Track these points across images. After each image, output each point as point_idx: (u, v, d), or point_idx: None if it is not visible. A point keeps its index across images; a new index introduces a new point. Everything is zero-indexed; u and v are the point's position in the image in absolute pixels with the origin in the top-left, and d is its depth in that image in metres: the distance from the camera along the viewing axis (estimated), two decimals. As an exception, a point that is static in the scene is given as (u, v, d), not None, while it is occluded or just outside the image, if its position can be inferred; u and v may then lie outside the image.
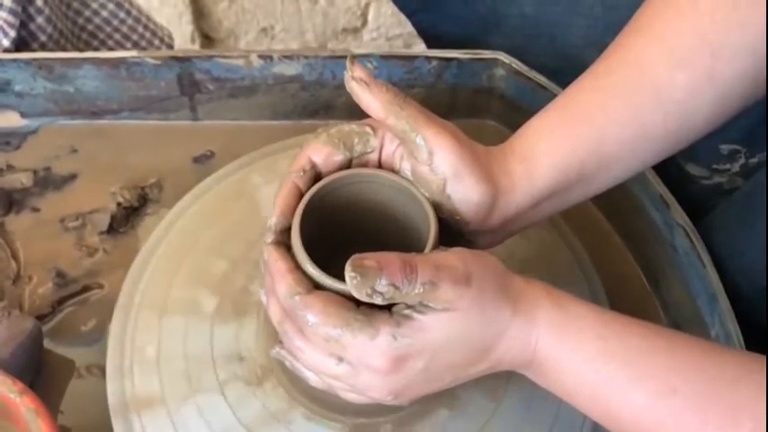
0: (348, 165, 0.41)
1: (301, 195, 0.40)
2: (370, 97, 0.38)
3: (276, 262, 0.38)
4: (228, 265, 0.48)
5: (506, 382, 0.44)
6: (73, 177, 0.57)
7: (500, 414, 0.44)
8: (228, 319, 0.46)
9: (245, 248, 0.49)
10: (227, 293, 0.47)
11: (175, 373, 0.44)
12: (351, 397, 0.38)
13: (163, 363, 0.45)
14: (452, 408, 0.43)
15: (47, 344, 0.48)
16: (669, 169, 0.55)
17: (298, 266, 0.38)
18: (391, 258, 0.34)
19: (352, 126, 0.41)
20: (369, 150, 0.41)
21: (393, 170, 0.41)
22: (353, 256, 0.34)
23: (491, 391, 0.44)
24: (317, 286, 0.37)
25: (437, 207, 0.39)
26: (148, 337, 0.46)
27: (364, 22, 1.22)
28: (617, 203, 0.55)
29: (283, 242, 0.39)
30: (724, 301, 0.47)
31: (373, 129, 0.41)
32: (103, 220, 0.55)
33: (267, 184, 0.52)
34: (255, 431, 0.42)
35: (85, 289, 0.52)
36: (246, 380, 0.44)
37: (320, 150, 0.40)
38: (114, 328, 0.47)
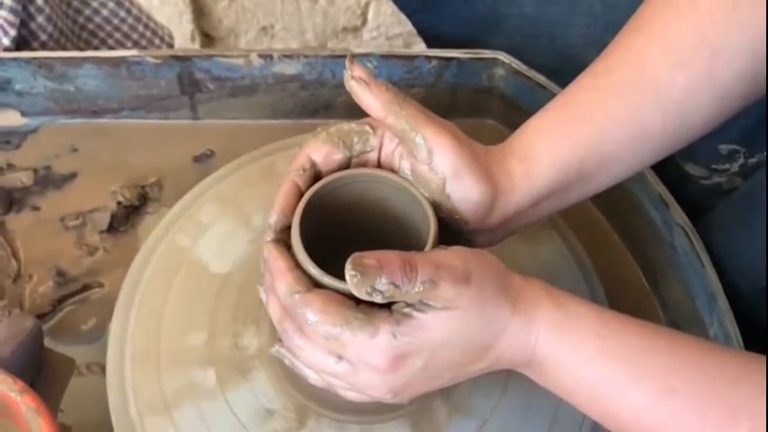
0: (348, 163, 0.41)
1: (301, 194, 0.40)
2: (369, 96, 0.38)
3: (276, 260, 0.38)
4: (206, 334, 0.46)
5: (506, 381, 0.44)
6: (73, 176, 0.57)
7: (499, 412, 0.44)
8: (237, 383, 0.44)
9: (209, 316, 0.46)
10: (219, 360, 0.45)
11: None
12: (350, 395, 0.38)
13: None
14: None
15: (47, 342, 0.49)
16: (668, 169, 0.55)
17: (298, 265, 0.38)
18: (391, 257, 0.34)
19: (351, 125, 0.41)
20: (368, 149, 0.41)
21: (392, 169, 0.41)
22: (353, 255, 0.34)
23: (490, 390, 0.44)
24: (316, 285, 0.37)
25: (436, 206, 0.39)
26: None
27: (364, 21, 1.22)
28: (616, 203, 0.55)
29: (283, 240, 0.39)
30: (723, 301, 0.47)
31: (373, 128, 0.41)
32: (104, 219, 0.55)
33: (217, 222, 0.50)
34: None
35: (86, 288, 0.52)
36: (288, 429, 0.42)
37: (320, 149, 0.40)
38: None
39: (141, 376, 0.45)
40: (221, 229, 0.51)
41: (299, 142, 0.42)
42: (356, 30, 1.23)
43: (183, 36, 1.18)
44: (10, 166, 0.57)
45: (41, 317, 0.50)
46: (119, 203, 0.55)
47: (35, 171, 0.57)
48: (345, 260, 0.34)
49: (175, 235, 0.50)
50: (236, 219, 0.51)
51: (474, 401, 0.44)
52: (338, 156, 0.40)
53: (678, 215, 0.51)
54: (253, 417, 0.43)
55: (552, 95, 0.43)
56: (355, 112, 0.41)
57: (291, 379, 0.43)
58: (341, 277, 0.35)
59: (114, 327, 0.47)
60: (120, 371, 0.45)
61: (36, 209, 0.56)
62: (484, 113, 0.61)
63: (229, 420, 0.43)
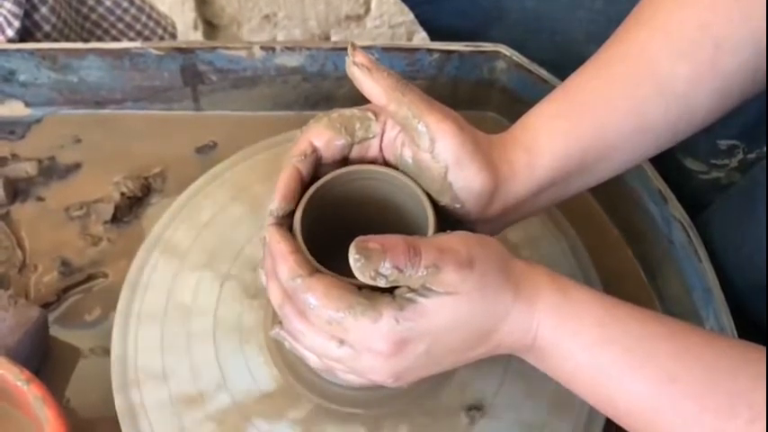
0: (349, 150, 0.40)
1: (302, 180, 0.40)
2: (371, 83, 0.38)
3: (278, 243, 0.37)
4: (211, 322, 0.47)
5: (506, 365, 0.45)
6: (77, 167, 0.58)
7: (504, 390, 0.44)
8: (237, 365, 0.45)
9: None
10: (221, 344, 0.46)
11: (206, 244, 0.49)
12: (350, 378, 0.39)
13: (205, 232, 0.50)
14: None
15: (52, 332, 0.49)
16: (668, 164, 0.55)
17: (299, 248, 0.37)
18: (395, 241, 0.34)
19: (353, 111, 0.40)
20: (370, 136, 0.40)
21: (394, 156, 0.41)
22: (357, 239, 0.34)
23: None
24: None
25: (438, 196, 0.39)
26: (211, 208, 0.50)
27: (367, 10, 1.22)
28: (616, 197, 0.56)
29: (285, 225, 0.39)
30: (719, 295, 0.47)
31: (375, 114, 0.40)
32: (107, 210, 0.55)
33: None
34: (219, 329, 0.46)
35: (90, 278, 0.52)
36: (245, 288, 0.47)
37: (321, 134, 0.40)
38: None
39: (145, 361, 0.46)
40: (225, 221, 0.51)
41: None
42: (359, 18, 1.23)
43: (186, 24, 1.18)
44: (14, 157, 0.58)
45: (46, 306, 0.50)
46: (122, 194, 0.56)
47: (39, 161, 0.57)
48: (344, 257, 0.34)
49: (180, 225, 0.51)
50: (239, 211, 0.51)
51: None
52: (340, 142, 0.40)
53: (676, 210, 0.51)
54: (249, 397, 0.44)
55: (553, 89, 0.43)
56: (357, 104, 0.41)
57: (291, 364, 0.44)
58: (341, 274, 0.36)
59: (118, 315, 0.47)
60: (123, 356, 0.46)
61: (40, 199, 0.56)
62: (485, 106, 0.61)
63: (226, 401, 0.44)
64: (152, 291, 0.48)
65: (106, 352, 0.47)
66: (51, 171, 0.57)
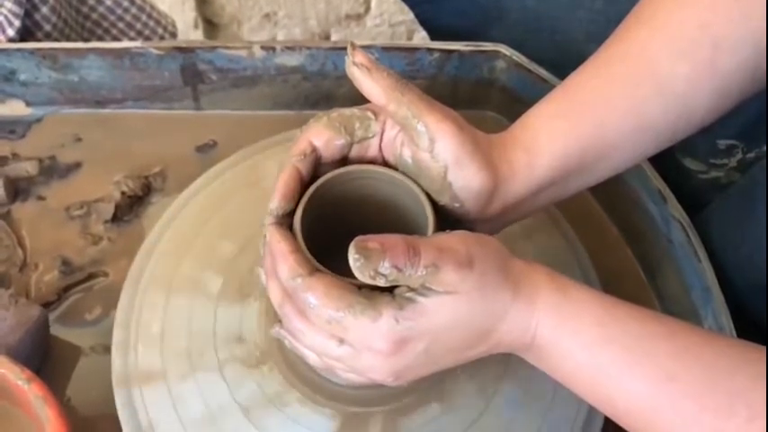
0: (349, 149, 0.41)
1: (302, 179, 0.40)
2: (370, 83, 0.38)
3: (278, 243, 0.37)
4: (236, 248, 0.48)
5: (506, 364, 0.45)
6: (77, 166, 0.58)
7: (501, 391, 0.44)
8: (233, 301, 0.47)
9: (254, 230, 0.48)
10: (233, 275, 0.47)
11: (177, 350, 0.45)
12: (350, 377, 0.39)
13: (166, 339, 0.46)
14: (443, 401, 0.44)
15: (53, 331, 0.49)
16: (667, 163, 0.56)
17: (299, 248, 0.37)
18: (395, 241, 0.34)
19: (353, 110, 0.40)
20: (370, 135, 0.40)
21: (393, 156, 0.41)
22: (357, 238, 0.34)
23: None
24: None
25: (437, 195, 0.39)
26: (154, 314, 0.46)
27: (367, 9, 1.22)
28: (615, 197, 0.56)
29: (285, 225, 0.39)
30: (718, 295, 0.47)
31: (374, 113, 0.40)
32: (108, 209, 0.55)
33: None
34: (251, 411, 0.43)
35: (90, 277, 0.53)
36: (245, 361, 0.45)
37: (321, 134, 0.40)
38: (121, 305, 0.47)
39: (167, 256, 0.46)
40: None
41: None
42: (359, 17, 1.23)
43: (186, 24, 1.18)
44: (15, 156, 0.58)
45: (47, 305, 0.51)
46: (123, 193, 0.56)
47: (40, 161, 0.58)
48: (344, 257, 0.34)
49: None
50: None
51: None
52: (339, 141, 0.40)
53: (676, 209, 0.51)
54: (226, 334, 0.45)
55: (553, 89, 0.43)
56: (357, 104, 0.41)
57: (275, 320, 0.43)
58: (340, 274, 0.36)
59: (119, 313, 0.47)
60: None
61: (41, 198, 0.56)
62: (485, 106, 0.61)
63: (207, 326, 0.45)
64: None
65: (107, 350, 0.47)
66: (52, 170, 0.57)
